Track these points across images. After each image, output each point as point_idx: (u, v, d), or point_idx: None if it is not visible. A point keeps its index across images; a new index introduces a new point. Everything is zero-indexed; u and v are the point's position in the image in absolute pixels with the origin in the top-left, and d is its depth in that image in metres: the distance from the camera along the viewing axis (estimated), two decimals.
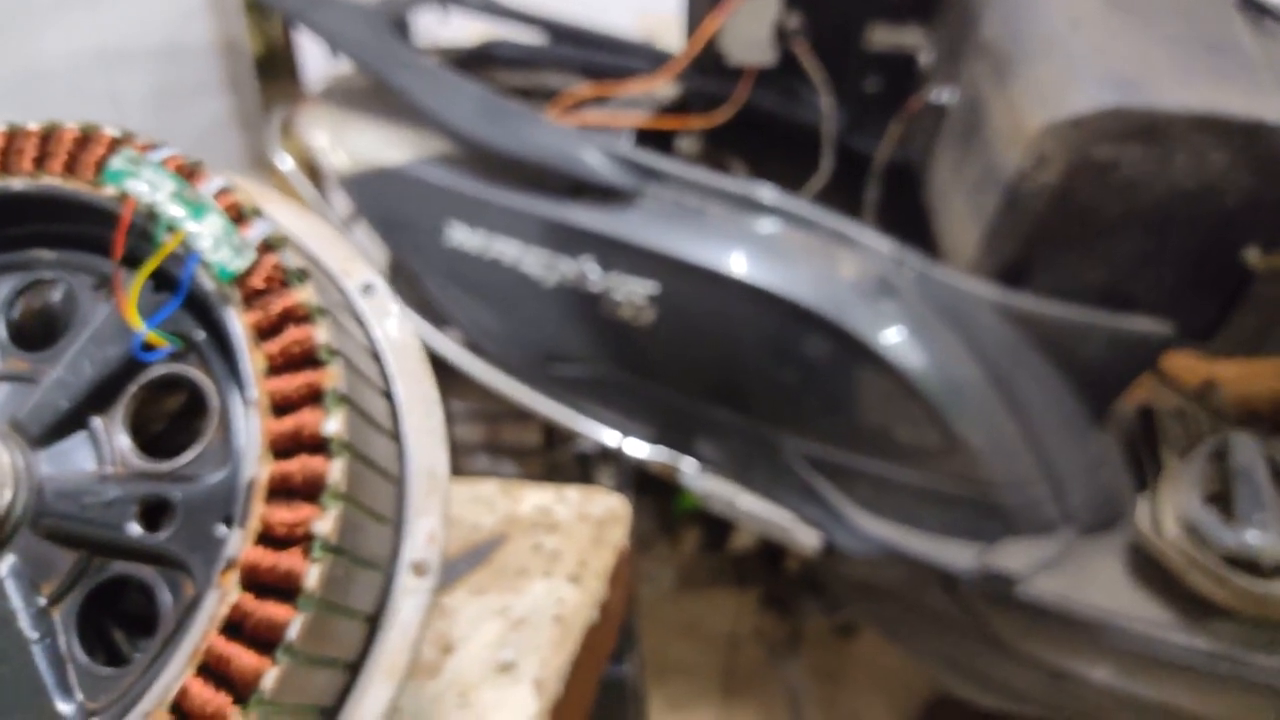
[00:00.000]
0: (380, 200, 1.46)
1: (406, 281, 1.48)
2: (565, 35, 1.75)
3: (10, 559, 0.46)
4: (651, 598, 1.79)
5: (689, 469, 1.40)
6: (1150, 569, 1.25)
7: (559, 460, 1.68)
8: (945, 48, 1.47)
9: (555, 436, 1.71)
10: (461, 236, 1.40)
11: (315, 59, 2.02)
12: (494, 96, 1.39)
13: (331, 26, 1.47)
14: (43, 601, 0.46)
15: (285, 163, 1.55)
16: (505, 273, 1.39)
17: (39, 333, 0.52)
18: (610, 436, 1.42)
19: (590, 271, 1.33)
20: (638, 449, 1.41)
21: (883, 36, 1.53)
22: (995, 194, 1.20)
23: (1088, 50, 1.19)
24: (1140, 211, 1.16)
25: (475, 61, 1.70)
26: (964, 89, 1.36)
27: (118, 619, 0.50)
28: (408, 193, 1.43)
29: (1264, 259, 1.16)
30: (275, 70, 2.00)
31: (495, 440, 1.70)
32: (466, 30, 1.80)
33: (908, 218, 1.45)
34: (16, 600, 0.46)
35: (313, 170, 1.58)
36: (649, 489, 1.54)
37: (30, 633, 0.45)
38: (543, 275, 1.36)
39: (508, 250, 1.38)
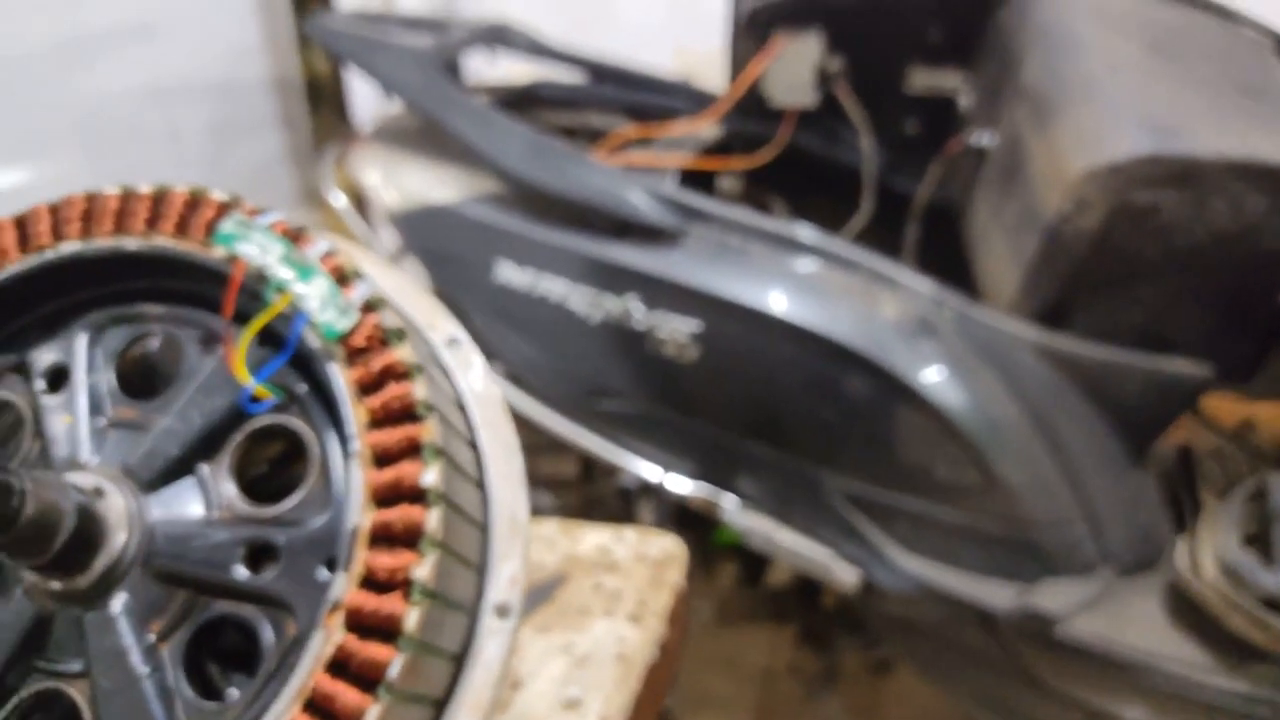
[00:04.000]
0: (430, 237, 1.50)
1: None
2: (608, 75, 1.79)
3: (123, 597, 0.49)
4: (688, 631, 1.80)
5: (729, 505, 1.42)
6: (1189, 610, 1.26)
7: (596, 493, 1.70)
8: (985, 91, 1.49)
9: (593, 469, 1.74)
10: (509, 274, 1.43)
11: (364, 94, 2.07)
12: (542, 138, 1.42)
13: (385, 69, 1.51)
14: (152, 639, 0.49)
15: (339, 199, 1.59)
16: (551, 309, 1.42)
17: (145, 383, 0.55)
18: (652, 471, 1.44)
19: (635, 309, 1.36)
20: (679, 484, 1.43)
21: (922, 79, 1.56)
22: (1035, 236, 1.22)
23: (1127, 96, 1.21)
24: (1178, 255, 1.17)
25: (522, 101, 1.74)
26: (1004, 132, 1.38)
27: (213, 655, 0.53)
28: (457, 230, 1.47)
29: None
30: (324, 105, 2.05)
31: (532, 472, 1.72)
32: (513, 70, 1.84)
33: (947, 258, 1.47)
34: (128, 637, 0.49)
35: (362, 206, 1.62)
36: (687, 523, 1.56)
37: (141, 668, 0.48)
38: (588, 312, 1.39)
39: (554, 288, 1.41)
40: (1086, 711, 1.33)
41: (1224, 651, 1.23)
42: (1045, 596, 1.28)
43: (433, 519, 0.46)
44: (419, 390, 0.48)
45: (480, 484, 0.54)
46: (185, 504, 0.51)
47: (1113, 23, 1.34)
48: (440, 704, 0.51)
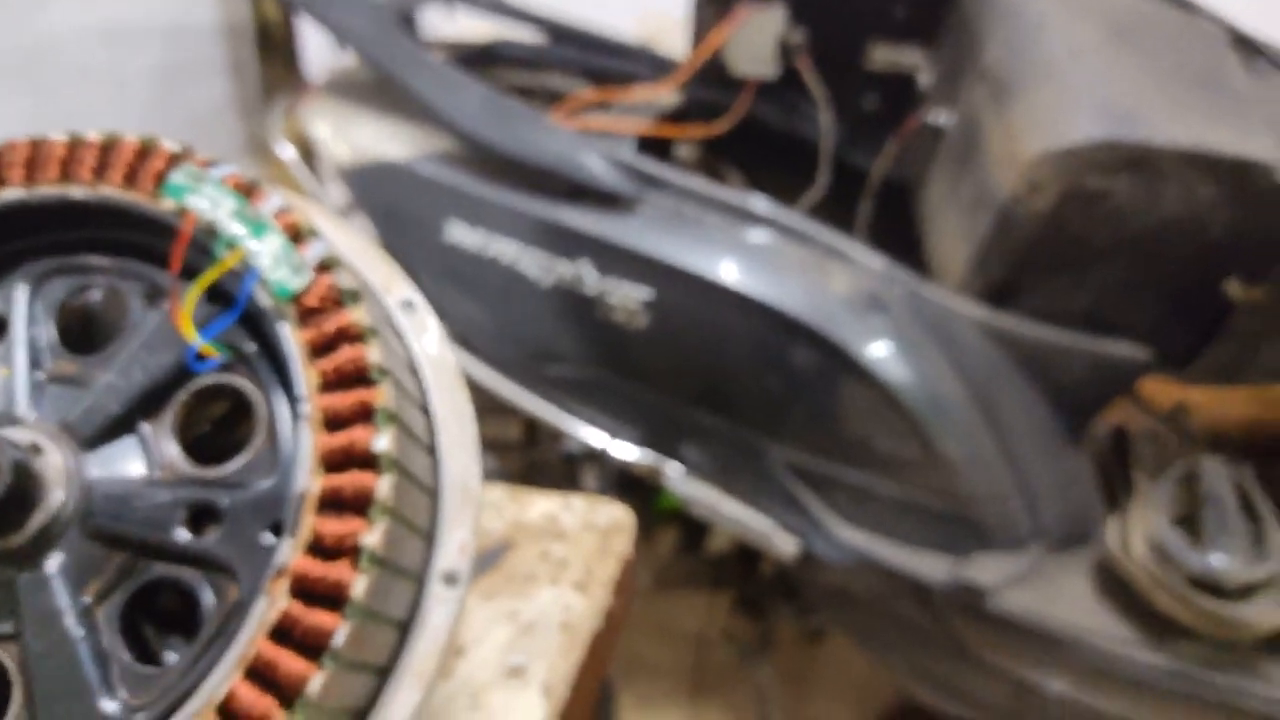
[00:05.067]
0: (380, 194, 1.47)
1: None
2: (569, 37, 1.76)
3: (58, 558, 0.48)
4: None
5: (673, 472, 1.42)
6: (1117, 587, 1.29)
7: (540, 457, 1.70)
8: (945, 70, 1.50)
9: (536, 433, 1.73)
10: (460, 234, 1.41)
11: (315, 43, 2.02)
12: (499, 97, 1.40)
13: (340, 20, 1.48)
14: (88, 600, 0.48)
15: (287, 151, 1.55)
16: (502, 271, 1.40)
17: (87, 336, 0.53)
18: (597, 437, 1.44)
19: (587, 274, 1.35)
20: (624, 451, 1.43)
21: (884, 56, 1.56)
22: (987, 217, 1.23)
23: (1085, 81, 1.22)
24: (1128, 240, 1.19)
25: (480, 60, 1.71)
26: (962, 112, 1.39)
27: (151, 618, 0.51)
28: (408, 188, 1.44)
29: (1245, 291, 1.20)
30: (274, 54, 2.00)
31: None
32: (471, 28, 1.81)
33: (899, 235, 1.48)
34: (63, 598, 0.47)
35: (310, 159, 1.59)
36: (630, 488, 1.56)
37: (75, 630, 0.47)
38: (539, 276, 1.38)
39: (506, 249, 1.39)
40: (1014, 682, 1.36)
41: (1151, 628, 1.27)
42: (978, 569, 1.31)
43: (384, 486, 0.45)
44: (373, 354, 0.47)
45: (432, 450, 0.53)
46: (125, 463, 0.50)
47: (1075, 8, 1.35)
48: (384, 671, 0.50)
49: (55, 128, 0.53)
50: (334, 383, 0.47)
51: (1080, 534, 1.36)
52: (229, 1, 1.92)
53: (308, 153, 1.56)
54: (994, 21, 1.36)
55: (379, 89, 1.52)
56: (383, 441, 0.46)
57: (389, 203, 1.47)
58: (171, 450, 0.50)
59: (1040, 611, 1.30)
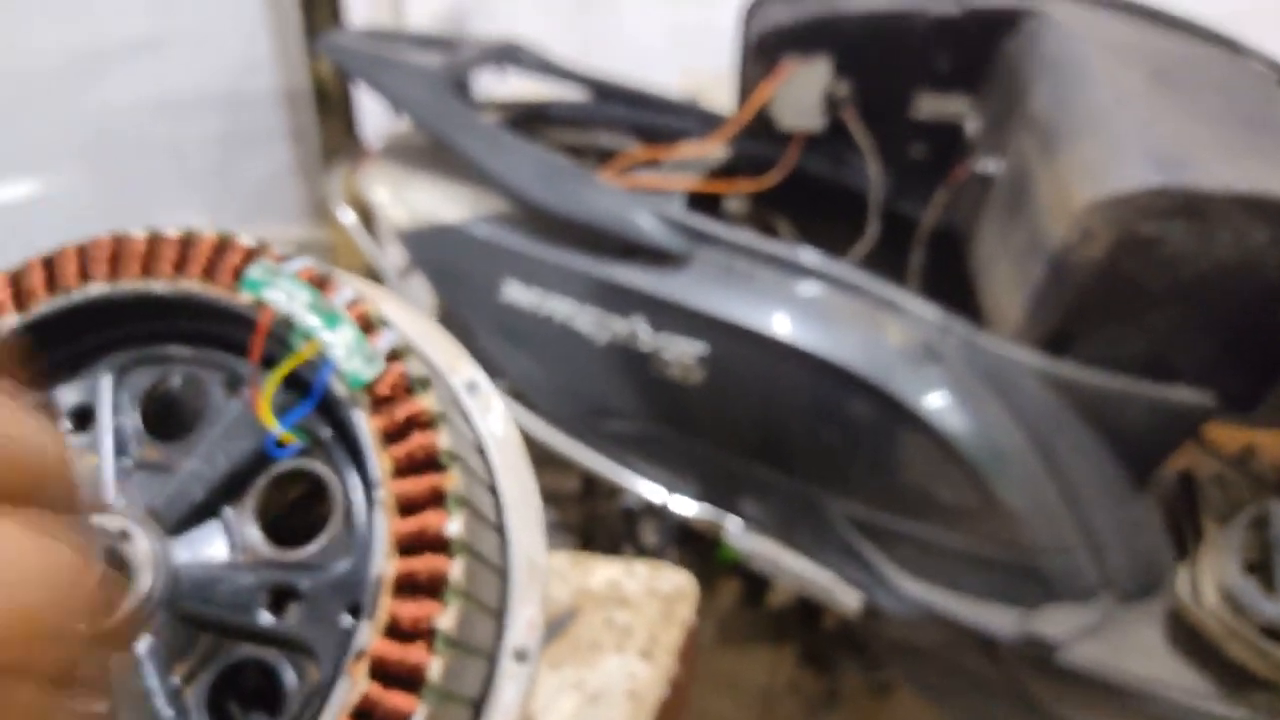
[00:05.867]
0: (437, 255, 1.50)
1: (458, 333, 1.52)
2: (616, 95, 1.80)
3: (148, 640, 0.50)
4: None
5: (733, 527, 1.42)
6: (1190, 638, 1.27)
7: (598, 510, 1.71)
8: (992, 118, 1.50)
9: (594, 485, 1.74)
10: (516, 293, 1.44)
11: (372, 106, 2.08)
12: (551, 158, 1.43)
13: (394, 86, 1.52)
14: (176, 682, 0.50)
15: (347, 216, 1.59)
16: (557, 329, 1.42)
17: (169, 424, 0.55)
18: (655, 492, 1.45)
19: (641, 331, 1.37)
20: (683, 505, 1.43)
21: (930, 105, 1.57)
22: (1040, 265, 1.23)
23: (1133, 127, 1.22)
24: (1183, 285, 1.18)
25: (531, 119, 1.75)
26: (1010, 160, 1.39)
27: (235, 695, 0.53)
28: (465, 249, 1.47)
29: None
30: (332, 120, 2.06)
31: None
32: (522, 88, 1.85)
33: (952, 285, 1.48)
34: (153, 680, 0.49)
35: (370, 223, 1.63)
36: (689, 542, 1.56)
37: (165, 711, 0.49)
38: (594, 333, 1.40)
39: (561, 308, 1.41)
40: None
41: (1224, 679, 1.24)
42: (1046, 622, 1.29)
43: (456, 569, 0.47)
44: (443, 439, 0.49)
45: (500, 529, 0.54)
46: (209, 546, 0.52)
47: (1119, 53, 1.35)
48: None
49: (120, 204, 0.55)
50: (406, 468, 0.49)
51: (1150, 584, 1.34)
52: (287, 69, 1.98)
53: (367, 216, 1.60)
54: (1038, 70, 1.36)
55: (434, 153, 1.56)
56: (454, 526, 0.47)
57: (446, 264, 1.50)
58: (253, 534, 0.52)
59: (1110, 664, 1.27)
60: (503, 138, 1.46)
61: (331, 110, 2.03)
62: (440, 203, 1.51)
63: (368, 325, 0.51)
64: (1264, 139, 1.22)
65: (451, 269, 1.50)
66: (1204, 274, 1.17)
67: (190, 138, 1.84)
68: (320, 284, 0.52)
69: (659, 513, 1.46)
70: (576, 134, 1.77)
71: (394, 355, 0.50)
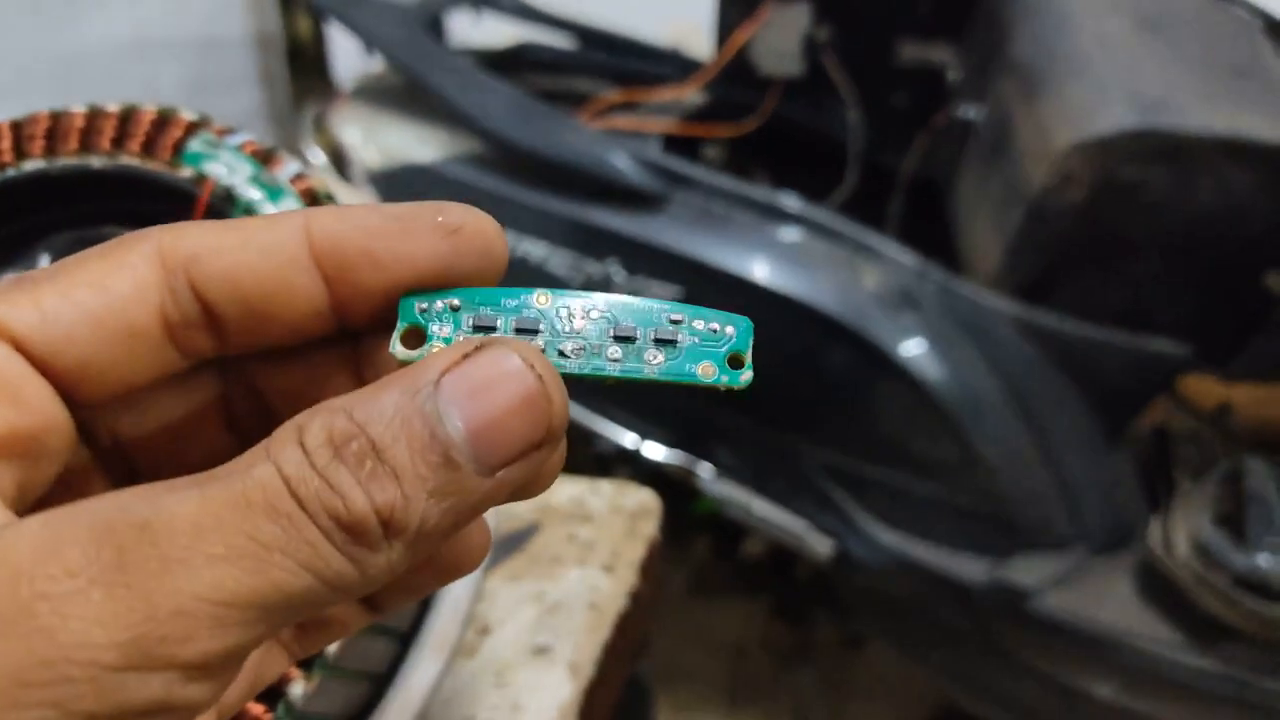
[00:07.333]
0: (410, 196, 1.46)
1: None
2: (596, 40, 1.77)
3: None
4: (661, 603, 1.79)
5: (706, 474, 1.41)
6: (1161, 589, 1.26)
7: (570, 455, 1.69)
8: (974, 65, 1.49)
9: (567, 430, 1.72)
10: None
11: (345, 53, 2.05)
12: (526, 99, 1.41)
13: (367, 25, 1.49)
14: None
15: (317, 157, 1.57)
16: (531, 272, 1.40)
17: None
18: (628, 438, 1.43)
19: (615, 274, 1.35)
20: (656, 452, 1.42)
21: (911, 52, 1.55)
22: (1019, 211, 1.22)
23: (1115, 71, 1.20)
24: (1163, 233, 1.17)
25: (507, 64, 1.72)
26: (991, 106, 1.38)
27: None
28: (438, 190, 1.45)
29: None
30: (304, 64, 2.03)
31: None
32: (499, 33, 1.82)
33: (931, 232, 1.46)
34: None
35: (341, 165, 1.60)
36: (662, 493, 1.55)
37: None
38: (568, 276, 1.38)
39: (534, 250, 1.39)
40: (1057, 687, 1.33)
41: (1195, 630, 1.24)
42: (1018, 571, 1.29)
43: None
44: None
45: None
46: None
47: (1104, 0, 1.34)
48: (406, 639, 0.50)
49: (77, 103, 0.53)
50: None
51: (1123, 535, 1.34)
52: (259, 13, 1.94)
53: (339, 159, 1.57)
54: (1021, 15, 1.35)
55: (407, 94, 1.53)
56: None
57: None
58: None
59: (1082, 613, 1.27)
60: (477, 77, 1.43)
61: (304, 56, 2.00)
62: (413, 143, 1.48)
63: (313, 199, 0.49)
64: (1248, 86, 1.21)
65: None
66: (1185, 222, 1.16)
67: (161, 79, 1.81)
68: (264, 158, 0.50)
69: (631, 459, 1.45)
70: (553, 79, 1.74)
71: None
